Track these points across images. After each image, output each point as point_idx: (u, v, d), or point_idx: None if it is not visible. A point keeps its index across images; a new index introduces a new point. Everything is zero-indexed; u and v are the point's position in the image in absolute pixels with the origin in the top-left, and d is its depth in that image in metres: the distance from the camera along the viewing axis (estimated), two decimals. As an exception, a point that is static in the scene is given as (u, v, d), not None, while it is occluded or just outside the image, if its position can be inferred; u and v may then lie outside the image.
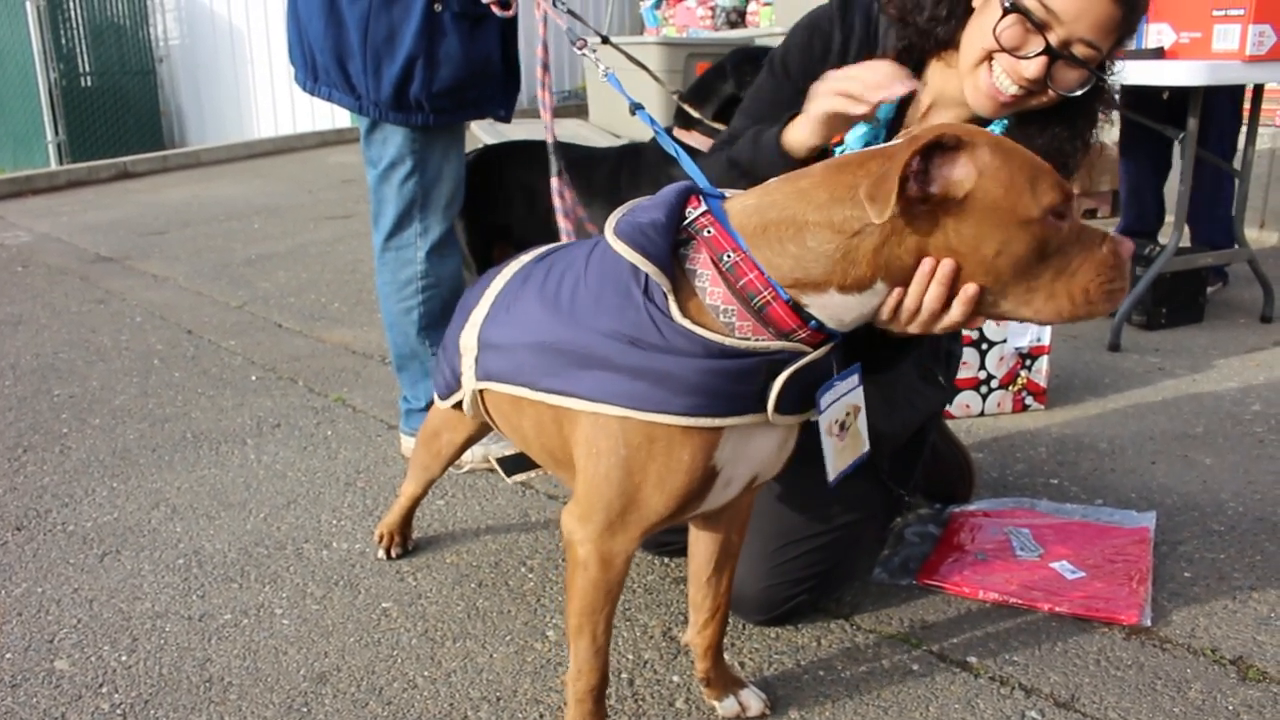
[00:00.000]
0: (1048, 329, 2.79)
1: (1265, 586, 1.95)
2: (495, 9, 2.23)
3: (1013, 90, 1.56)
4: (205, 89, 10.11)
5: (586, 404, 1.29)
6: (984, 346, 2.76)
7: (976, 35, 1.58)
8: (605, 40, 2.44)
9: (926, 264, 1.19)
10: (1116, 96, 1.70)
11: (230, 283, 4.42)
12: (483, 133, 6.86)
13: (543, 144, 2.76)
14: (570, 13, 2.23)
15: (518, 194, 2.77)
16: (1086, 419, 2.80)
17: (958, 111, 1.67)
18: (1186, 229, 3.63)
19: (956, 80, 1.64)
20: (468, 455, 2.44)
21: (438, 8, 2.17)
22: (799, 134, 1.55)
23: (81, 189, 7.12)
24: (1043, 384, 2.84)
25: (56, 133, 9.25)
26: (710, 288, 1.24)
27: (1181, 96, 3.38)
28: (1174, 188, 3.55)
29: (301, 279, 4.47)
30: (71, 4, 9.39)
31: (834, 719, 1.60)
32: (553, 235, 2.68)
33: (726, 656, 1.67)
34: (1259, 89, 3.51)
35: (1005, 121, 1.66)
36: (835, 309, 1.23)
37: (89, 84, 9.59)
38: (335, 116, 8.67)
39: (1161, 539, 2.12)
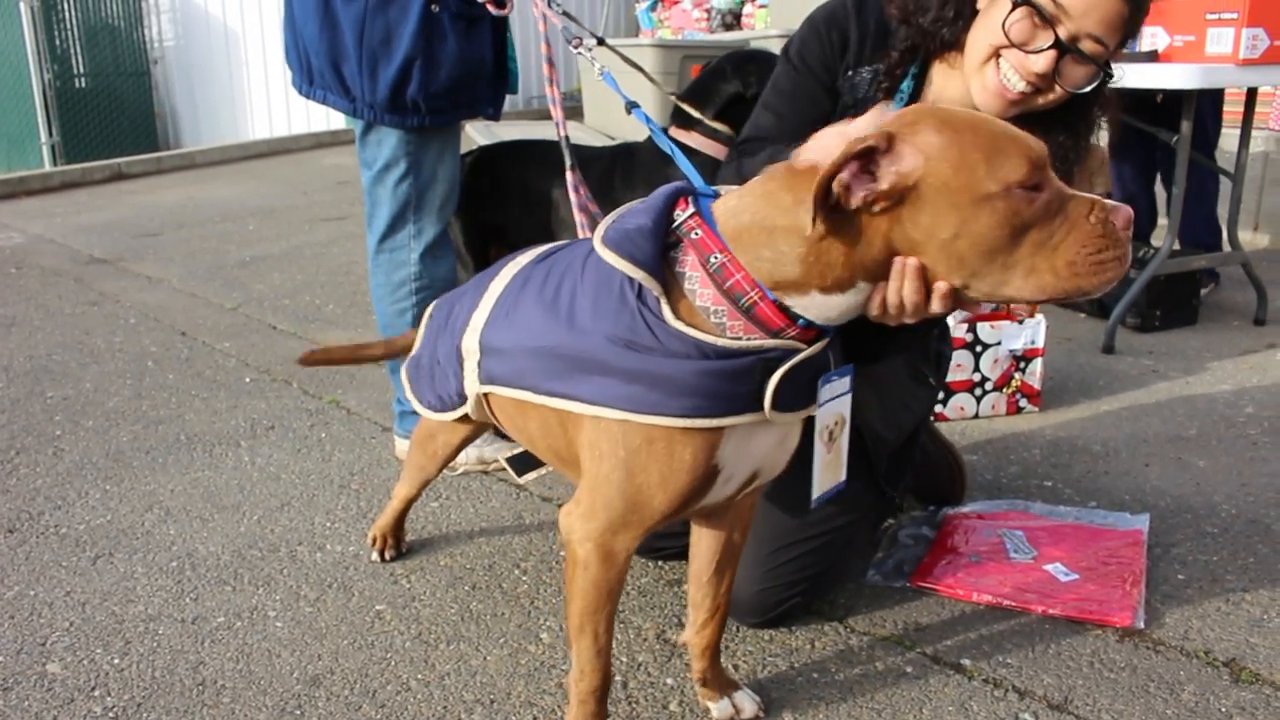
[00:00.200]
0: (1042, 331, 2.79)
1: (1258, 588, 1.95)
2: (491, 8, 2.23)
3: (1020, 87, 1.57)
4: (200, 90, 10.10)
5: (587, 408, 1.30)
6: (978, 349, 2.77)
7: (984, 33, 1.59)
8: (601, 42, 2.44)
9: (896, 263, 1.19)
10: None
11: (224, 284, 4.41)
12: (476, 134, 6.85)
13: (540, 144, 2.75)
14: (565, 14, 2.23)
15: (515, 194, 2.78)
16: (1080, 421, 2.80)
17: None
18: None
19: (959, 82, 1.65)
20: (461, 457, 2.44)
21: (435, 9, 2.16)
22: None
23: (75, 190, 7.11)
24: (1037, 386, 2.84)
25: (50, 134, 9.24)
26: (700, 289, 1.25)
27: (1172, 99, 3.39)
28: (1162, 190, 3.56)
29: (296, 281, 4.46)
30: (66, 5, 9.38)
31: (828, 721, 1.60)
32: (550, 235, 2.68)
33: (721, 659, 1.67)
34: (1252, 92, 3.52)
35: None
36: (820, 308, 1.24)
37: (83, 85, 9.58)
38: (330, 118, 8.66)
39: (1155, 541, 2.12)
